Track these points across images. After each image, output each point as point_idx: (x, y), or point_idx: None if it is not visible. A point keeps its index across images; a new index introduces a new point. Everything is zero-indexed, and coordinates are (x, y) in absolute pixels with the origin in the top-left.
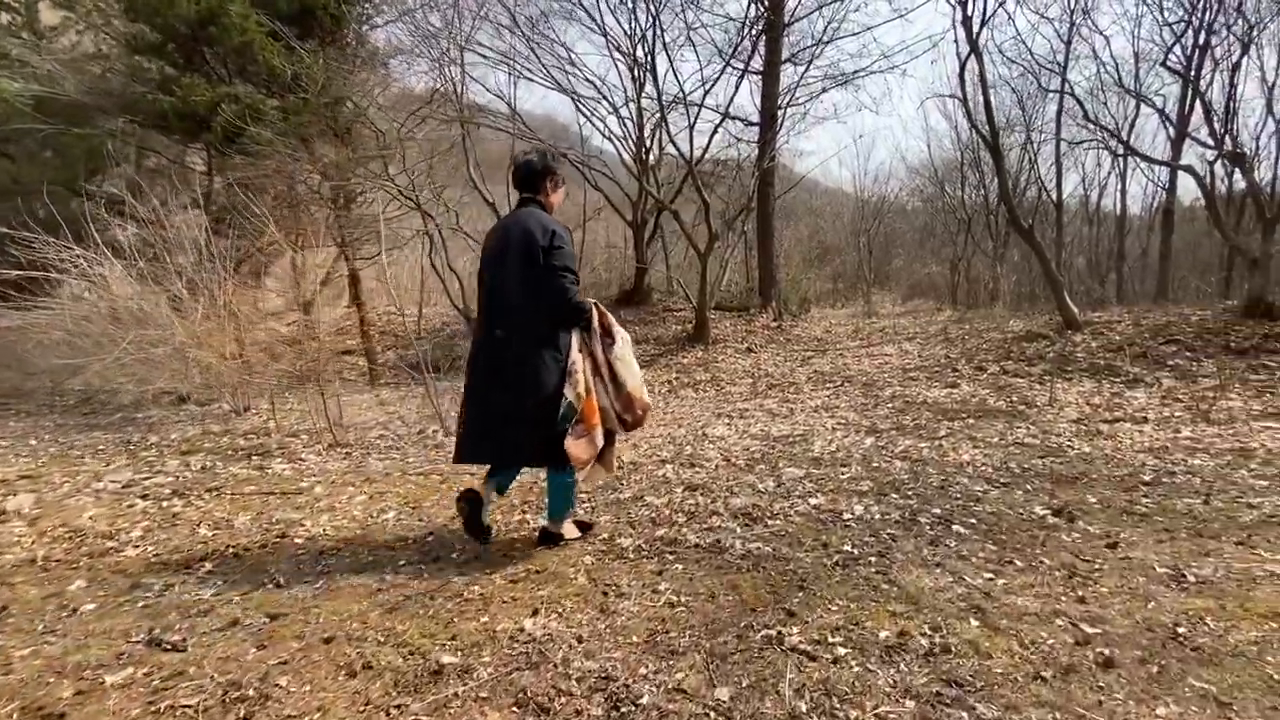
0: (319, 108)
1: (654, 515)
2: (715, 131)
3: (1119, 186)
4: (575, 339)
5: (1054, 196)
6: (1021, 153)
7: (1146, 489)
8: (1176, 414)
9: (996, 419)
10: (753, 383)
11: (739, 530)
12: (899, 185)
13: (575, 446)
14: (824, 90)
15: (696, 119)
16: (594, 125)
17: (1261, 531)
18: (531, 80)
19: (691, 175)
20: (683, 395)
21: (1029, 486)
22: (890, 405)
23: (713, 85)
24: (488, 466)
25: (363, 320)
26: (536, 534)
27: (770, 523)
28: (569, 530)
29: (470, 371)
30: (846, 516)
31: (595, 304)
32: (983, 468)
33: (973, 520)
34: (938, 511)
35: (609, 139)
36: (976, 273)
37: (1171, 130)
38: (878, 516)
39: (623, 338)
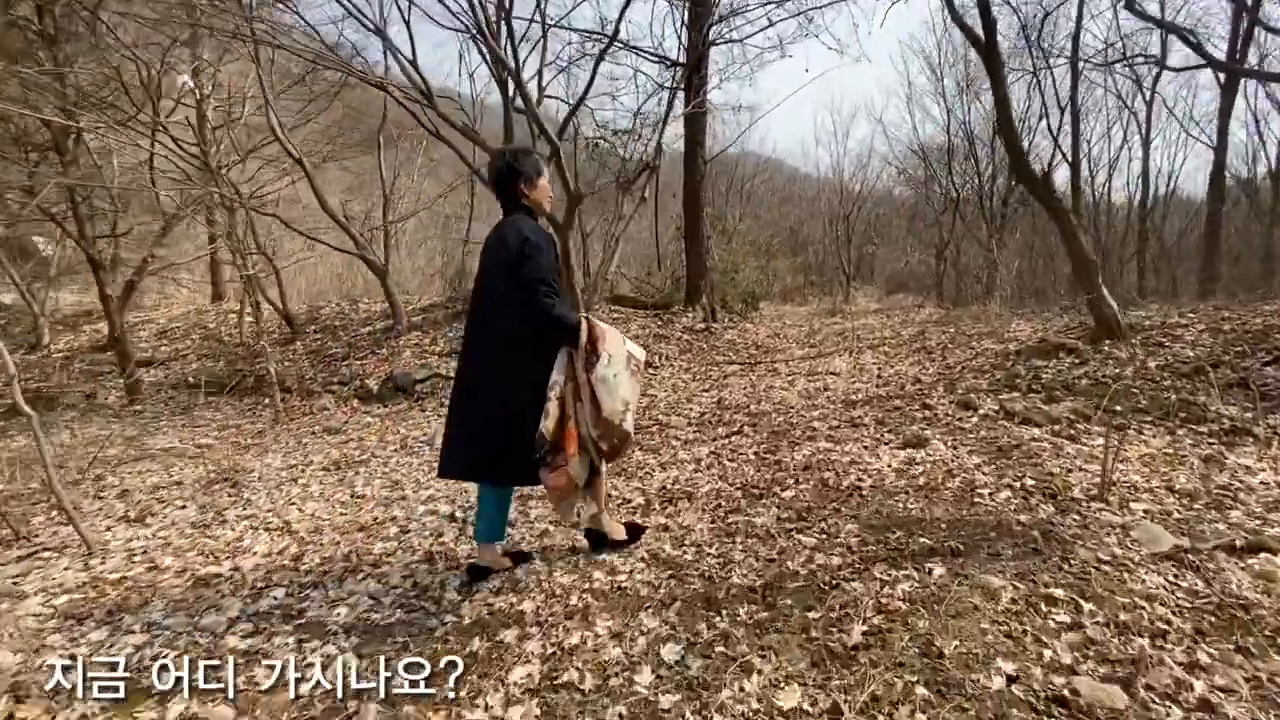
0: None
1: None
2: (601, 57)
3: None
4: (564, 360)
5: (1069, 152)
6: (1027, 97)
7: None
8: None
9: (998, 552)
10: None
11: None
12: (880, 162)
13: (549, 477)
14: (770, 24)
15: (605, 54)
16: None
17: None
18: None
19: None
20: None
21: None
22: (785, 495)
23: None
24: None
25: (111, 318)
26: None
27: None
28: (494, 557)
29: (454, 389)
30: None
31: (587, 318)
32: None
33: None
34: None
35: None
36: (967, 262)
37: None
38: None
39: (612, 354)
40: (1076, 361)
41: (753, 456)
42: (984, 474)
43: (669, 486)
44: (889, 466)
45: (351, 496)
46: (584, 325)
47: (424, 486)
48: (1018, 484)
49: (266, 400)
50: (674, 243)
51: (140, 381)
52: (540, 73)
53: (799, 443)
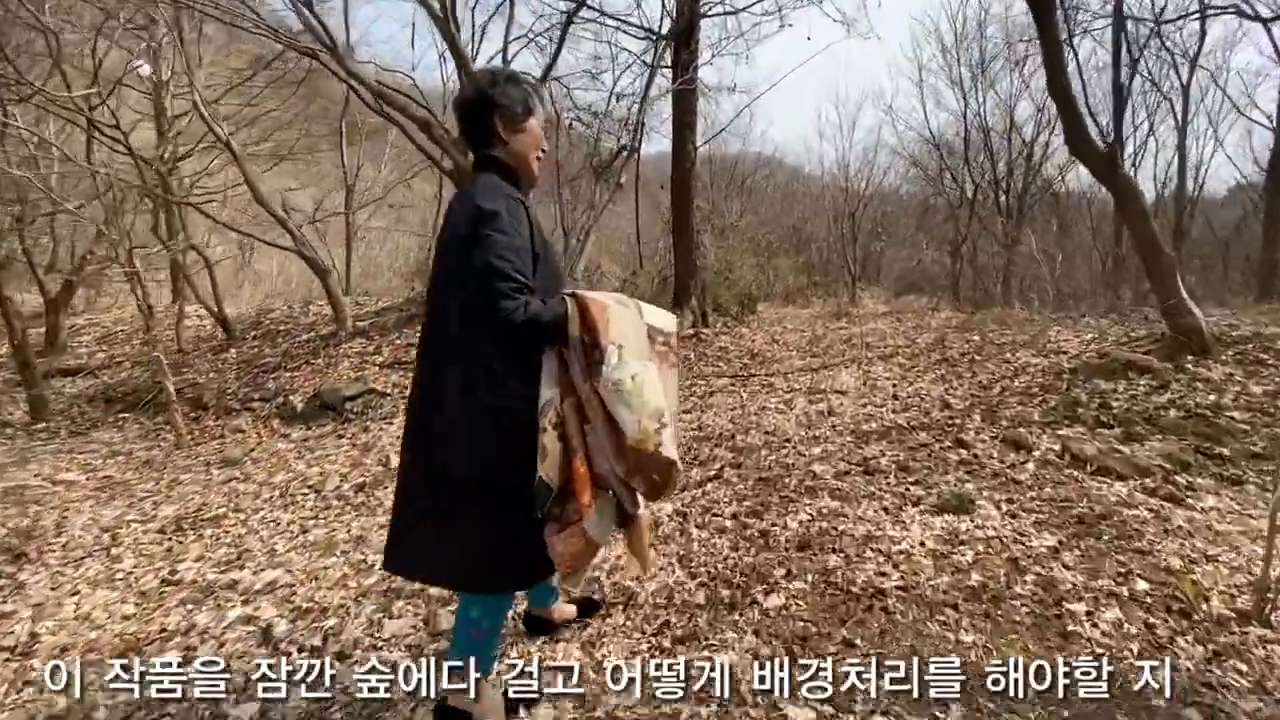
0: None
1: None
2: (569, 23)
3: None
4: (553, 366)
5: (1107, 128)
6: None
7: None
8: None
9: None
10: None
11: None
12: (889, 155)
13: (557, 541)
14: None
15: (573, 19)
16: None
17: None
18: None
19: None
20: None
21: None
22: (770, 604)
23: None
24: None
25: (9, 321)
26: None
27: None
28: (480, 705)
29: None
30: None
31: (575, 296)
32: None
33: None
34: None
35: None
36: (986, 260)
37: None
38: None
39: (623, 344)
40: (1154, 384)
41: (730, 522)
42: (1066, 569)
43: (600, 580)
44: (922, 546)
45: (163, 581)
46: (572, 308)
47: (272, 565)
48: (1124, 590)
49: (165, 419)
50: (662, 239)
51: (45, 396)
52: (505, 46)
53: (795, 498)
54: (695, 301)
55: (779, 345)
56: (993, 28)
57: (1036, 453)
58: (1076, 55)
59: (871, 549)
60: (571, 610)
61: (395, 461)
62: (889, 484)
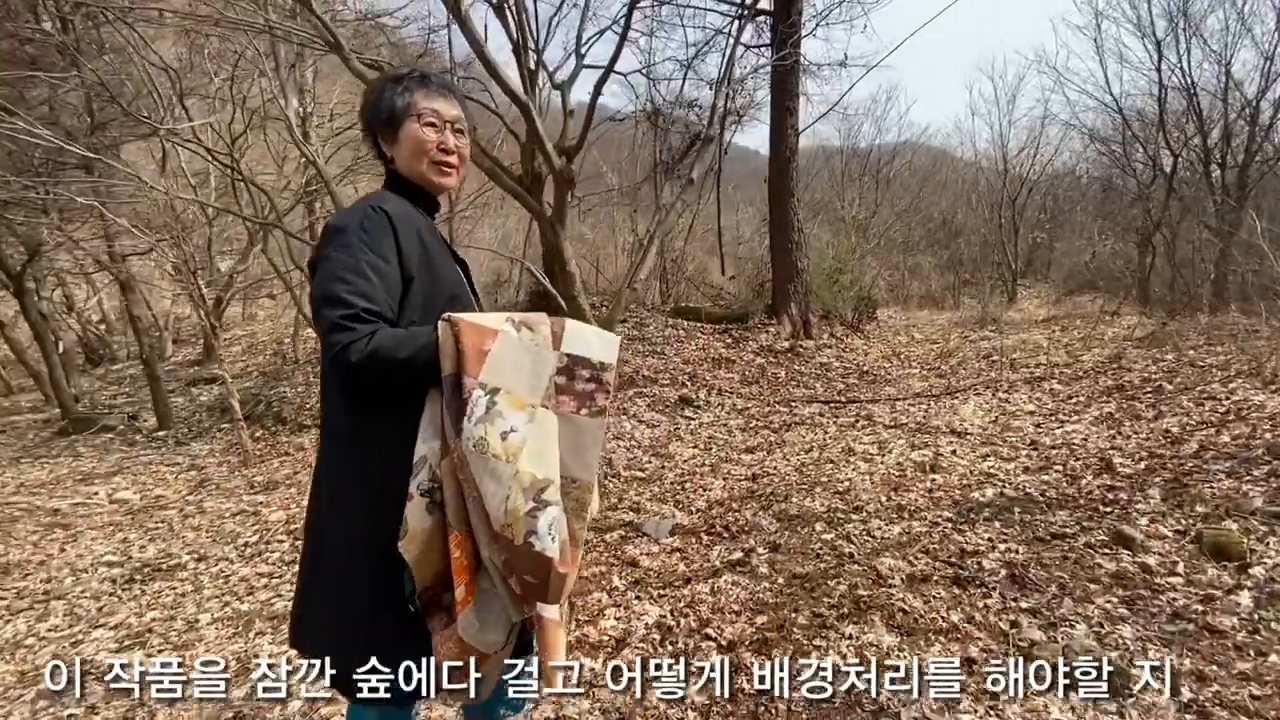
0: None
1: None
2: (634, 3)
3: None
4: (435, 416)
5: None
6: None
7: None
8: None
9: None
10: None
11: None
12: (1060, 129)
13: (440, 641)
14: None
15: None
16: None
17: None
18: None
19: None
20: None
21: None
22: None
23: None
24: None
25: (139, 337)
26: None
27: None
28: None
29: None
30: None
31: (450, 319)
32: None
33: None
34: None
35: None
36: (1186, 253)
37: None
38: None
39: (499, 384)
40: None
41: (721, 657)
42: None
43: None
44: None
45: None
46: (444, 335)
47: (176, 646)
48: None
49: (262, 431)
50: (756, 238)
51: (168, 405)
52: (580, 35)
53: (833, 622)
54: (794, 308)
55: (898, 361)
56: None
57: (1259, 572)
58: None
59: None
60: None
61: None
62: (986, 609)
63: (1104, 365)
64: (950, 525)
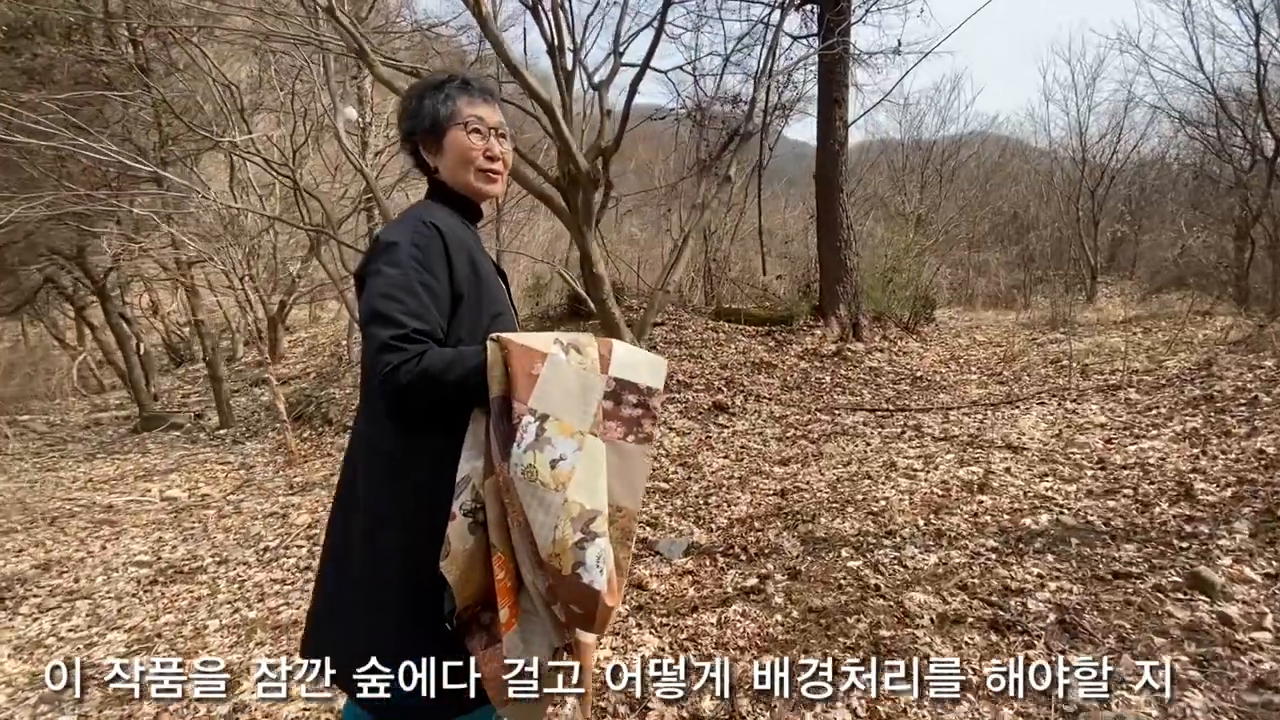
0: None
1: None
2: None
3: None
4: (480, 436)
5: None
6: None
7: None
8: None
9: None
10: None
11: None
12: (1146, 112)
13: (480, 658)
14: None
15: None
16: None
17: None
18: None
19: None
20: None
21: None
22: None
23: None
24: None
25: (202, 340)
26: None
27: None
28: None
29: None
30: None
31: (499, 340)
32: None
33: None
34: None
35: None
36: None
37: None
38: None
39: (547, 410)
40: None
41: (711, 704)
42: None
43: None
44: None
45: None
46: (494, 355)
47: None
48: None
49: (310, 431)
50: (802, 237)
51: (229, 405)
52: (618, 32)
53: (846, 670)
54: (843, 309)
55: (955, 366)
56: None
57: None
58: None
59: None
60: None
61: None
62: (1028, 661)
63: (1191, 372)
64: (994, 556)
